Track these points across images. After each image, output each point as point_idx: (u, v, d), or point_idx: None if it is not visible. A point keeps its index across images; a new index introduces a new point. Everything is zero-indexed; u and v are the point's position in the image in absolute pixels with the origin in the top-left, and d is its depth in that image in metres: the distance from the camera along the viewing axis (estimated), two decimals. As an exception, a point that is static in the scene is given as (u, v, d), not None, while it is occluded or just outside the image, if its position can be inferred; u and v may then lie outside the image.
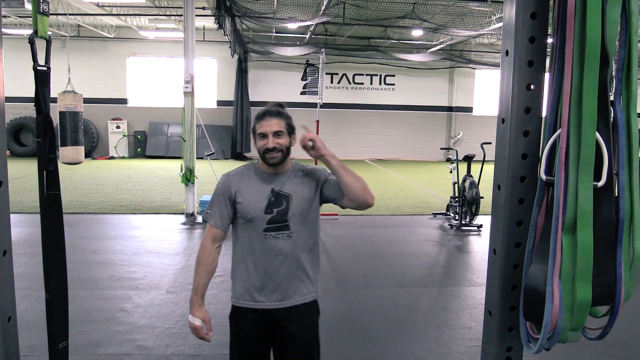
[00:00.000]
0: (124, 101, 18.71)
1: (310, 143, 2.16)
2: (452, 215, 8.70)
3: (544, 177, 1.20)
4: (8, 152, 16.96)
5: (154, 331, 4.18)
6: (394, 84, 19.90)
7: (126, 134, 18.29)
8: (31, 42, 1.13)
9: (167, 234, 7.46)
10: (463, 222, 8.09)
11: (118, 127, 18.22)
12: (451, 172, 8.91)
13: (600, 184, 1.13)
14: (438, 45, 17.02)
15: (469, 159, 8.33)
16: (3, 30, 13.94)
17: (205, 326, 2.28)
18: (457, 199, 8.38)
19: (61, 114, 8.76)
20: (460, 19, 12.87)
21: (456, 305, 4.93)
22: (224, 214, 2.31)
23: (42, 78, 1.14)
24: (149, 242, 6.94)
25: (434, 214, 9.15)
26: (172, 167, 13.92)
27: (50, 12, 9.80)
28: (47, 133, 1.14)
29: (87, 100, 16.81)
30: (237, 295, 2.34)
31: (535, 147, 1.26)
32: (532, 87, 1.23)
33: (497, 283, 1.29)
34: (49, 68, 1.16)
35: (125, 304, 4.74)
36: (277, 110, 2.26)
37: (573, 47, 1.13)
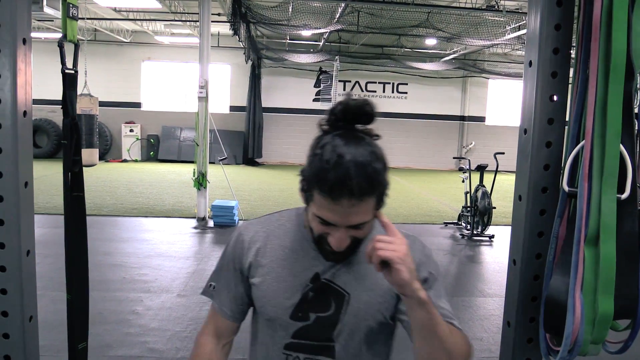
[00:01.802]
0: (137, 105, 18.87)
1: (383, 259, 1.06)
2: (463, 225, 8.66)
3: (566, 188, 1.19)
4: (23, 154, 17.29)
5: (164, 334, 4.19)
6: (406, 93, 19.89)
7: (139, 138, 18.44)
8: (60, 45, 1.15)
9: (178, 237, 7.49)
10: (475, 232, 8.04)
11: (131, 130, 18.37)
12: (463, 181, 8.88)
13: (624, 196, 1.12)
14: (451, 54, 17.01)
15: (481, 168, 8.29)
16: (22, 33, 14.23)
17: None
18: (469, 209, 8.34)
19: (78, 116, 8.89)
20: (475, 29, 12.85)
21: (467, 316, 4.90)
22: (234, 296, 1.34)
23: (70, 81, 1.16)
24: (160, 246, 6.98)
25: (445, 223, 9.11)
26: (184, 171, 13.99)
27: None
28: (73, 135, 1.15)
29: (101, 104, 17.06)
30: None
31: (557, 158, 1.25)
32: (555, 98, 1.23)
33: (517, 294, 1.29)
34: (76, 71, 1.18)
35: (137, 307, 4.77)
36: (371, 169, 1.11)
37: (598, 58, 1.12)
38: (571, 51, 1.24)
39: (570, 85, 1.24)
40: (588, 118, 1.14)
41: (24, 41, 1.17)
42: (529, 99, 1.26)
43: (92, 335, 4.06)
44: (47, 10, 10.58)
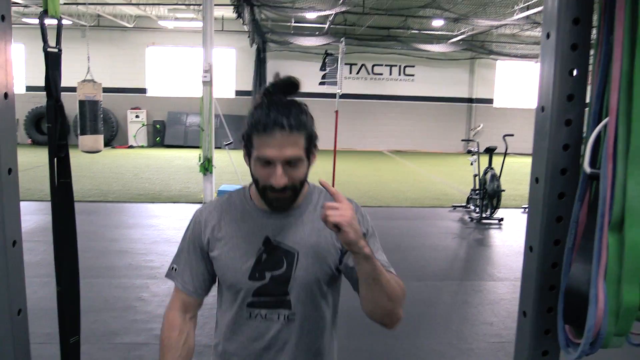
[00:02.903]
0: (143, 91, 18.80)
1: (334, 223, 1.19)
2: (472, 208, 8.56)
3: (588, 169, 1.10)
4: (29, 141, 17.21)
5: (171, 321, 4.16)
6: (413, 75, 19.67)
7: (145, 124, 18.40)
8: (41, 22, 1.07)
9: (185, 223, 7.38)
10: (484, 216, 7.95)
11: (137, 116, 18.33)
12: (472, 164, 8.76)
13: (652, 177, 1.03)
14: (459, 35, 16.75)
15: (490, 151, 8.17)
16: (24, 20, 14.04)
17: None
18: (477, 192, 8.24)
19: (81, 103, 8.83)
20: (483, 9, 12.62)
21: (477, 300, 4.83)
22: (196, 273, 1.48)
23: (52, 60, 1.08)
24: (167, 231, 6.95)
25: (453, 206, 9.02)
26: (191, 157, 13.94)
27: (71, 1, 9.83)
28: (57, 118, 1.08)
29: (106, 90, 16.92)
30: None
31: (577, 138, 1.16)
32: (575, 72, 1.14)
33: (533, 283, 1.21)
34: (60, 50, 1.10)
35: (143, 293, 4.74)
36: (295, 115, 1.31)
37: (623, 28, 1.03)
38: (593, 21, 1.15)
39: (592, 58, 1.14)
40: (612, 93, 1.05)
41: (2, 18, 1.09)
42: (547, 74, 1.16)
43: (98, 322, 4.04)
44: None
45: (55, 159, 1.09)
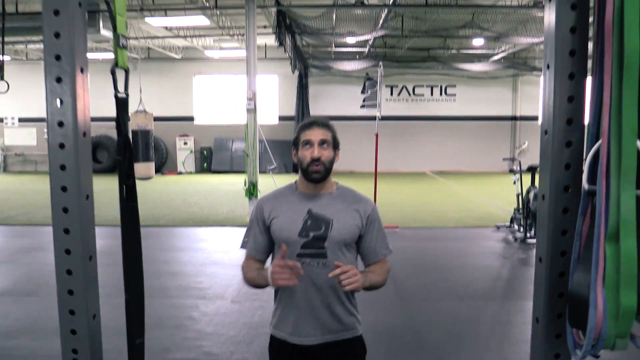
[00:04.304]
0: (190, 119, 19.54)
1: (348, 284, 1.83)
2: (516, 227, 8.47)
3: (586, 186, 1.22)
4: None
5: (219, 339, 4.36)
6: (455, 95, 19.63)
7: (193, 150, 19.06)
8: (112, 72, 1.30)
9: (232, 245, 7.73)
10: (527, 235, 7.86)
11: (185, 143, 19.03)
12: (514, 183, 8.70)
13: (643, 192, 1.15)
14: (500, 53, 16.68)
15: (533, 169, 8.11)
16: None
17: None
18: (521, 211, 8.16)
19: (133, 132, 9.32)
20: (523, 26, 12.57)
21: (519, 320, 4.82)
22: (259, 242, 2.12)
23: (121, 104, 1.31)
24: (215, 254, 7.22)
25: (497, 226, 8.95)
26: (237, 182, 14.36)
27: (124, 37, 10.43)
28: (126, 152, 1.29)
29: (156, 119, 17.57)
30: (274, 323, 2.13)
31: (578, 157, 1.29)
32: (573, 99, 1.27)
33: (544, 291, 1.33)
34: (127, 95, 1.32)
35: (193, 312, 4.97)
36: (325, 121, 2.10)
37: (612, 58, 1.16)
38: (587, 53, 1.28)
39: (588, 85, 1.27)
40: (604, 117, 1.17)
41: (82, 70, 1.32)
42: (548, 100, 1.30)
43: (151, 340, 4.27)
44: (104, 32, 11.22)
45: (124, 185, 1.31)
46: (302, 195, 2.09)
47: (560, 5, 1.25)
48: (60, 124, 1.29)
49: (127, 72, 1.31)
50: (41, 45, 17.13)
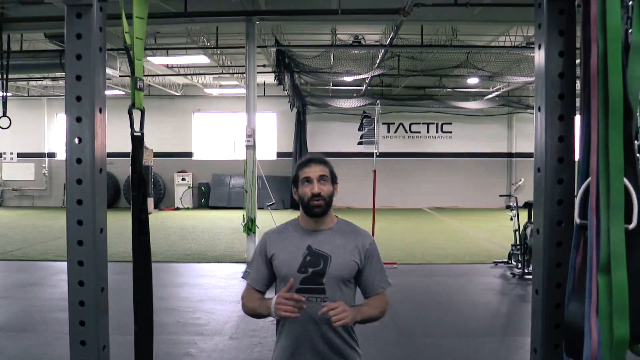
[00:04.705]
0: (189, 155, 19.69)
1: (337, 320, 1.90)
2: (514, 263, 8.49)
3: (578, 221, 1.29)
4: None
5: (217, 375, 4.33)
6: (451, 132, 19.89)
7: (191, 186, 19.13)
8: (129, 112, 1.37)
9: (230, 281, 7.70)
10: (525, 271, 7.87)
11: (183, 179, 19.11)
12: (512, 219, 8.76)
13: (632, 226, 1.21)
14: (494, 92, 17.01)
15: (529, 205, 8.17)
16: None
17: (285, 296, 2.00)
18: (518, 247, 8.20)
19: (133, 168, 9.42)
20: (516, 66, 12.88)
21: (519, 357, 4.80)
22: (261, 274, 2.17)
23: (137, 142, 1.38)
24: (212, 290, 7.19)
25: (495, 262, 8.96)
26: (234, 218, 14.38)
27: (125, 74, 10.61)
28: (140, 188, 1.36)
29: (155, 154, 17.83)
30: (274, 357, 2.18)
31: (570, 193, 1.36)
32: (563, 139, 1.35)
33: (540, 322, 1.37)
34: (142, 134, 1.39)
35: (191, 349, 4.94)
36: (321, 158, 2.18)
37: (598, 102, 1.24)
38: (576, 96, 1.37)
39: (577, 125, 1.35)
40: (592, 156, 1.25)
41: (100, 110, 1.40)
42: (540, 140, 1.38)
43: (149, 376, 4.24)
44: (112, 72, 11.45)
45: (138, 219, 1.37)
46: (303, 231, 2.17)
47: (549, 52, 1.34)
48: (79, 161, 1.36)
49: (142, 112, 1.39)
50: (43, 82, 17.44)
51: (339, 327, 2.05)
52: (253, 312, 2.14)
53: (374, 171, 9.08)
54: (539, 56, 1.38)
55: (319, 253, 2.09)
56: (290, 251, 2.11)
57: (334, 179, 2.18)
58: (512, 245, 8.61)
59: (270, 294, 2.13)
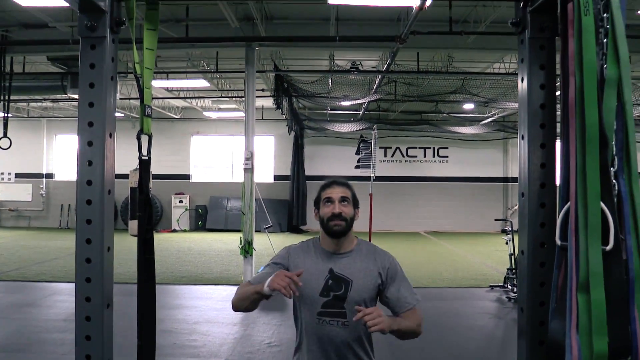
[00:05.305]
0: (187, 177, 19.76)
1: (373, 325, 1.87)
2: (509, 287, 8.51)
3: (559, 242, 1.37)
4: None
5: (213, 397, 4.33)
6: (447, 156, 20.05)
7: (188, 208, 19.15)
8: (138, 137, 1.46)
9: (226, 304, 7.70)
10: (521, 295, 7.89)
11: (181, 201, 19.14)
12: (507, 243, 8.82)
13: (609, 247, 1.29)
14: (490, 117, 17.21)
15: (524, 230, 8.25)
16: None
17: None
18: (514, 271, 8.23)
19: (132, 190, 9.52)
20: (511, 91, 13.09)
21: (514, 380, 4.82)
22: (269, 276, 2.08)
23: (144, 166, 1.46)
24: (208, 312, 7.20)
25: (491, 286, 8.98)
26: (231, 240, 14.39)
27: (124, 97, 10.82)
28: (146, 209, 1.44)
29: (153, 177, 17.82)
30: None
31: (551, 217, 1.44)
32: (545, 165, 1.44)
33: (525, 339, 1.44)
34: (149, 158, 1.48)
35: (187, 371, 4.94)
36: (344, 181, 2.22)
37: (576, 132, 1.34)
38: (556, 125, 1.46)
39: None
40: (571, 182, 1.33)
41: (110, 135, 1.48)
42: (523, 166, 1.47)
43: (145, 398, 4.25)
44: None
45: (144, 239, 1.44)
46: (324, 253, 2.17)
47: (531, 85, 1.44)
48: (89, 183, 1.44)
49: (150, 137, 1.48)
50: (43, 104, 17.60)
51: (360, 351, 2.09)
52: (243, 294, 2.05)
53: (370, 195, 9.16)
54: (521, 88, 1.48)
55: (340, 277, 2.10)
56: (311, 272, 2.10)
57: (355, 203, 2.20)
58: (507, 269, 8.64)
59: (289, 314, 2.16)
